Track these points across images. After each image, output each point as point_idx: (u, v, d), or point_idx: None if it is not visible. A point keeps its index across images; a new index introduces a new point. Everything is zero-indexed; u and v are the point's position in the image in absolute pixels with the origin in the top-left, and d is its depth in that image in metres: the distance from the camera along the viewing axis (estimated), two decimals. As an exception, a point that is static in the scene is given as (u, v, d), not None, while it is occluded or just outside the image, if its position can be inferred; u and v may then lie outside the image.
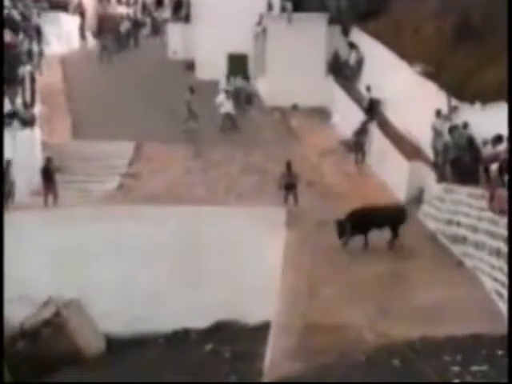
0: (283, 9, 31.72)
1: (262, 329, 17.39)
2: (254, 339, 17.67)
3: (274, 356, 14.70)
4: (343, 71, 30.73)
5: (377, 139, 25.38)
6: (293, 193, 21.95)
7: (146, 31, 42.77)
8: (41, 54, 33.51)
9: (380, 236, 19.19)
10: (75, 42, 40.46)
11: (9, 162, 22.06)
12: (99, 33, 41.04)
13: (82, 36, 41.48)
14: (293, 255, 19.05)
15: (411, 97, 24.50)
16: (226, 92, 30.25)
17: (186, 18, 37.13)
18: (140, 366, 18.57)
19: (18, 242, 20.41)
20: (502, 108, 18.79)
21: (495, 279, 16.46)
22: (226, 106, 29.36)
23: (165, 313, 19.99)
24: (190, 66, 34.74)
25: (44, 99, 29.45)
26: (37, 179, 23.00)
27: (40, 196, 22.61)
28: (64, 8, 40.89)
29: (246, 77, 32.49)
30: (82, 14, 42.24)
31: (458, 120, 21.45)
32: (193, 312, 19.99)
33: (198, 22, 34.52)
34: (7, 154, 22.53)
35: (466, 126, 20.85)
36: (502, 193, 16.83)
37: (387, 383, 12.76)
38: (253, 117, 30.39)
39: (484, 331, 14.59)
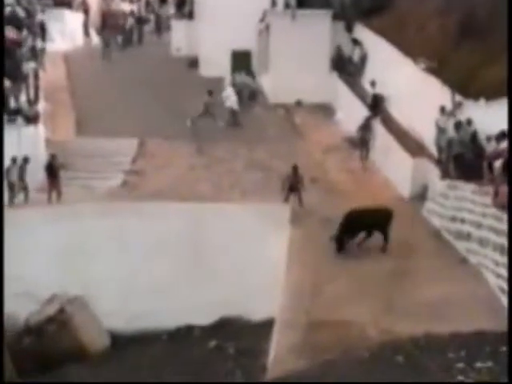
0: (287, 5, 31.65)
1: (266, 325, 17.41)
2: (258, 335, 17.70)
3: (278, 352, 14.73)
4: (347, 67, 30.69)
5: (381, 135, 25.35)
6: (297, 194, 21.88)
7: (149, 28, 42.72)
8: (43, 50, 33.50)
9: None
10: (79, 39, 40.42)
11: (26, 160, 22.31)
12: (103, 30, 41.02)
13: (86, 33, 41.46)
14: (297, 252, 19.06)
15: (415, 93, 24.46)
16: (233, 86, 30.26)
17: (190, 15, 37.09)
18: (144, 362, 18.60)
19: (22, 238, 20.45)
20: (505, 104, 18.78)
21: (499, 275, 16.46)
22: (231, 100, 29.34)
23: (168, 309, 20.01)
24: (193, 62, 34.71)
25: (48, 96, 29.46)
26: (40, 176, 23.02)
27: (44, 193, 22.63)
28: (68, 5, 40.88)
29: (250, 73, 32.47)
30: (86, 11, 42.21)
31: (462, 116, 21.42)
32: (196, 308, 20.01)
33: (201, 18, 34.49)
34: (11, 150, 22.58)
35: (469, 122, 20.83)
36: (506, 189, 16.83)
37: (389, 383, 12.75)
38: (256, 113, 30.36)
39: (488, 328, 14.60)
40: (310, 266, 18.17)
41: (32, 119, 24.84)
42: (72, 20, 40.54)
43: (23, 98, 25.98)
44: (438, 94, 22.78)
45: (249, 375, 16.61)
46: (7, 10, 31.01)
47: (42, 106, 27.33)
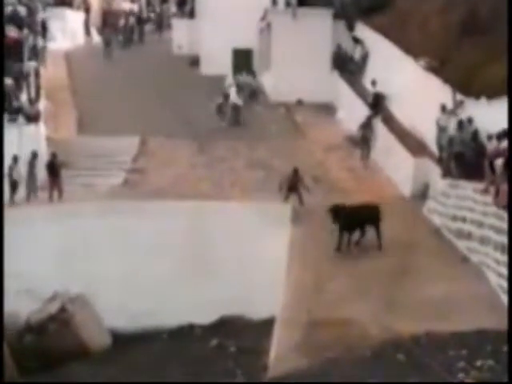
0: (288, 4, 31.66)
1: (267, 324, 17.42)
2: (259, 334, 17.70)
3: (279, 351, 14.73)
4: (348, 66, 30.69)
5: (382, 135, 25.35)
6: (297, 194, 21.85)
7: (150, 27, 42.73)
8: (44, 49, 33.48)
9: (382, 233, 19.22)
10: (80, 38, 40.46)
11: (35, 155, 22.47)
12: (103, 28, 41.05)
13: (87, 32, 41.48)
14: (298, 250, 19.07)
15: (416, 92, 24.46)
16: (237, 85, 30.30)
17: (191, 14, 37.10)
18: (144, 360, 18.59)
19: (24, 237, 20.46)
20: (507, 103, 18.77)
21: (500, 274, 16.45)
22: (234, 96, 29.34)
23: (169, 308, 20.01)
24: (194, 61, 34.72)
25: (49, 95, 29.47)
26: (42, 174, 23.03)
27: (45, 191, 22.64)
28: (69, 4, 40.91)
29: (251, 72, 32.46)
30: (87, 10, 42.24)
31: (464, 115, 21.41)
32: (197, 307, 20.01)
33: (202, 17, 34.51)
34: (12, 149, 22.60)
35: (470, 121, 20.82)
36: (507, 188, 16.82)
37: (390, 383, 12.76)
38: (258, 112, 30.36)
39: (489, 326, 14.61)
40: (311, 265, 18.17)
41: (33, 118, 24.86)
42: (73, 19, 40.58)
43: (24, 96, 25.98)
44: (439, 92, 22.77)
45: (250, 374, 16.60)
46: (8, 8, 31.01)
47: (43, 105, 27.34)
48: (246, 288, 19.88)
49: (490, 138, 19.57)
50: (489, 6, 22.43)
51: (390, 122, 25.75)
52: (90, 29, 41.89)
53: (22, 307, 19.45)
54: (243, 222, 20.63)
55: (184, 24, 37.32)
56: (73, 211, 21.27)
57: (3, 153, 22.15)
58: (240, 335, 19.14)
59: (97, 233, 20.69)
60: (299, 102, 30.63)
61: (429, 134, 23.02)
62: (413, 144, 23.70)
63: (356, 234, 19.39)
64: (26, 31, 30.29)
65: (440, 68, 23.32)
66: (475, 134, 20.32)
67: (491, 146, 19.35)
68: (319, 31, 30.47)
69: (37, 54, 30.82)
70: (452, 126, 21.51)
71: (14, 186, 22.25)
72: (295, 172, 22.05)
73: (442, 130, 22.07)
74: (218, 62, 32.47)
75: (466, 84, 21.57)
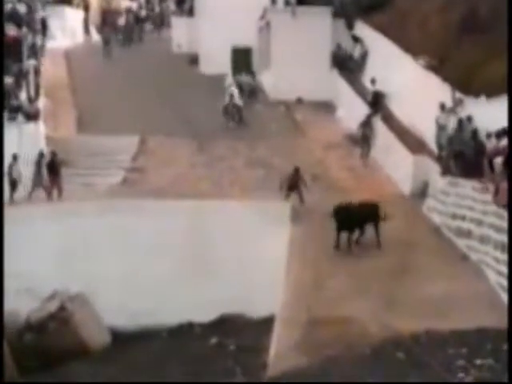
0: (287, 2, 31.65)
1: (267, 322, 17.43)
2: (259, 332, 17.71)
3: (278, 349, 14.74)
4: (347, 64, 30.68)
5: (381, 133, 25.35)
6: (297, 193, 21.85)
7: (149, 25, 42.72)
8: (42, 47, 33.44)
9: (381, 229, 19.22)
10: (79, 36, 40.44)
11: (42, 155, 22.63)
12: (103, 27, 41.03)
13: (86, 30, 41.46)
14: (298, 249, 19.07)
15: (416, 90, 24.45)
16: (237, 84, 30.28)
17: (190, 12, 37.08)
18: (144, 359, 18.61)
19: (23, 235, 20.46)
20: (506, 101, 18.77)
21: (500, 273, 16.46)
22: (235, 96, 29.35)
23: (169, 306, 20.02)
24: (194, 59, 34.71)
25: (48, 93, 29.45)
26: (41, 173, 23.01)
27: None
28: (68, 2, 40.89)
29: (250, 72, 32.44)
30: (87, 8, 42.23)
31: (463, 113, 21.42)
32: (197, 305, 20.01)
33: (201, 15, 34.47)
34: (12, 148, 22.59)
35: (470, 119, 20.83)
36: (507, 186, 16.83)
37: (390, 382, 12.76)
38: (257, 111, 30.36)
39: (489, 325, 14.62)
40: (311, 263, 18.18)
41: (32, 116, 24.84)
42: (72, 17, 40.56)
43: (24, 95, 25.97)
44: (438, 91, 22.77)
45: (249, 372, 16.61)
46: (8, 6, 30.99)
47: (42, 103, 27.32)
48: (246, 286, 19.89)
49: (489, 136, 19.58)
50: (488, 5, 22.43)
51: (390, 121, 25.74)
52: (90, 27, 41.87)
53: (21, 306, 19.46)
54: (243, 221, 20.63)
55: (183, 22, 37.28)
56: (72, 210, 21.28)
57: (3, 152, 22.13)
58: (240, 334, 19.16)
59: (96, 232, 20.69)
60: (299, 101, 30.62)
61: (428, 133, 23.02)
62: (412, 142, 23.70)
63: (356, 233, 19.40)
64: (25, 29, 30.28)
65: (439, 66, 23.32)
66: (475, 133, 20.32)
67: (490, 144, 19.37)
68: (319, 30, 30.45)
69: (36, 52, 30.81)
70: (451, 125, 21.52)
71: (13, 184, 22.24)
72: (296, 171, 22.04)
73: (441, 128, 22.07)
74: (217, 61, 32.45)
75: (466, 82, 21.57)
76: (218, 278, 20.41)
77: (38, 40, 32.72)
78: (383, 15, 28.95)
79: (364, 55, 30.25)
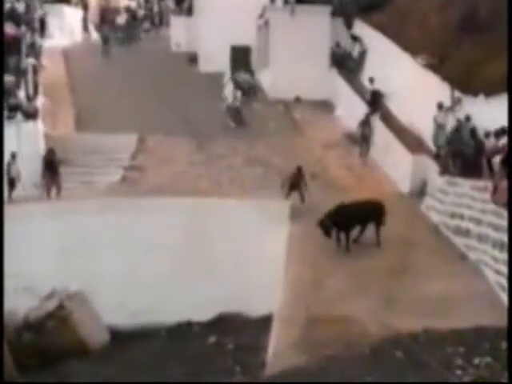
0: (286, 1, 31.62)
1: (266, 321, 17.43)
2: (258, 331, 17.71)
3: (277, 348, 14.75)
4: (346, 63, 30.68)
5: (380, 132, 25.36)
6: (298, 192, 21.84)
7: (148, 24, 42.70)
8: (40, 46, 33.41)
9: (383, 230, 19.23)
10: (78, 35, 40.41)
11: (51, 151, 22.55)
12: (101, 26, 41.02)
13: (85, 28, 41.44)
14: (296, 248, 19.08)
15: (415, 89, 24.46)
16: (235, 83, 30.24)
17: (189, 11, 37.06)
18: (143, 358, 18.60)
19: (22, 234, 20.46)
20: (505, 100, 18.79)
21: (498, 272, 16.48)
22: (229, 98, 29.33)
23: (168, 305, 20.03)
24: (192, 58, 34.70)
25: (47, 92, 29.43)
26: (40, 171, 22.99)
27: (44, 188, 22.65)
28: (67, 0, 40.86)
29: (249, 70, 32.42)
30: (85, 7, 42.22)
31: (462, 112, 21.42)
32: (196, 304, 20.02)
33: (200, 14, 34.45)
34: (10, 146, 22.58)
35: (468, 118, 20.84)
36: (506, 185, 16.84)
37: (389, 382, 12.76)
38: (256, 109, 30.35)
39: (487, 323, 14.63)
40: (310, 262, 18.18)
41: (31, 115, 24.82)
42: (71, 15, 40.52)
43: (22, 93, 25.96)
44: (437, 90, 22.78)
45: (248, 371, 16.62)
46: (6, 5, 30.96)
47: (41, 102, 27.31)
48: (245, 285, 19.89)
49: (487, 135, 19.60)
50: (488, 4, 22.43)
51: (389, 120, 25.75)
52: (89, 26, 41.83)
53: (20, 305, 19.44)
54: (242, 220, 20.63)
55: (182, 21, 37.25)
56: (71, 208, 21.27)
57: (3, 151, 22.12)
58: (238, 332, 19.16)
59: (95, 230, 20.68)
60: (297, 100, 30.62)
61: (427, 132, 23.03)
62: (411, 141, 23.71)
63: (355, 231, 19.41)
64: (23, 28, 30.26)
65: (438, 65, 23.33)
66: (473, 132, 20.33)
67: (489, 143, 19.38)
68: (317, 28, 30.44)
69: (35, 51, 30.79)
70: (450, 124, 21.52)
71: (11, 183, 22.23)
72: (299, 170, 22.03)
73: (439, 127, 22.08)
74: (216, 60, 32.43)
75: (465, 82, 21.58)
76: (216, 276, 20.41)
77: (37, 39, 32.73)
78: (382, 14, 28.94)
79: (363, 54, 30.25)
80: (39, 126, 25.28)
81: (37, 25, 34.93)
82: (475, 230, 18.06)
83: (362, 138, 25.81)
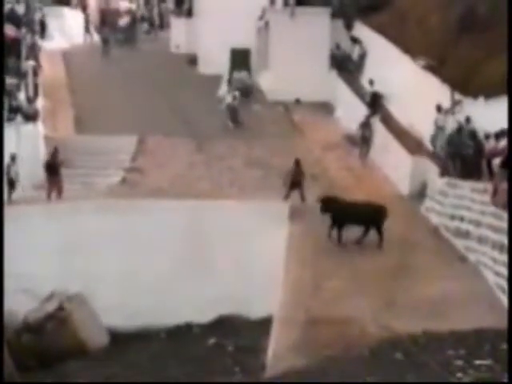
0: (286, 3, 31.68)
1: (265, 322, 17.42)
2: (257, 333, 17.70)
3: (277, 349, 14.74)
4: (346, 65, 30.70)
5: (380, 133, 25.37)
6: (299, 190, 21.86)
7: (148, 25, 42.75)
8: (39, 48, 33.43)
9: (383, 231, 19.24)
10: (78, 37, 40.44)
11: (56, 149, 22.47)
12: (101, 27, 41.06)
13: (87, 30, 41.46)
14: (296, 249, 19.07)
15: (414, 91, 24.46)
16: (229, 82, 30.21)
17: (189, 12, 37.10)
18: (143, 359, 18.61)
19: (22, 235, 20.45)
20: (504, 102, 18.79)
21: (498, 273, 16.48)
22: (227, 98, 29.34)
23: (168, 306, 20.03)
24: (192, 60, 34.73)
25: (47, 93, 29.46)
26: (40, 173, 23.00)
27: (43, 190, 22.63)
28: (67, 2, 40.91)
29: (246, 69, 32.41)
30: (84, 8, 42.27)
31: (462, 114, 21.42)
32: (196, 306, 20.03)
33: (200, 16, 34.50)
34: (10, 148, 22.58)
35: (468, 120, 20.84)
36: (505, 187, 16.85)
37: (388, 383, 12.76)
38: (256, 111, 30.36)
39: (487, 325, 14.62)
40: (309, 263, 18.18)
41: (31, 117, 24.86)
42: (71, 17, 40.56)
43: (22, 95, 25.97)
44: (437, 91, 22.78)
45: (248, 372, 16.62)
46: (6, 7, 30.99)
47: (41, 104, 27.32)
48: (244, 287, 19.90)
49: (487, 137, 19.60)
50: (487, 5, 22.44)
51: (388, 121, 25.76)
52: (90, 27, 41.86)
53: (20, 306, 19.44)
54: (241, 221, 20.63)
55: (182, 23, 37.32)
56: (71, 210, 21.28)
57: (3, 153, 22.13)
58: (238, 334, 19.17)
59: (95, 232, 20.68)
60: (297, 101, 30.64)
61: (427, 133, 23.03)
62: (411, 143, 23.72)
63: (354, 231, 19.40)
64: (23, 30, 30.28)
65: (438, 67, 23.33)
66: (473, 134, 20.33)
67: (489, 145, 19.39)
68: (317, 30, 30.46)
69: (35, 52, 30.81)
70: (450, 126, 21.53)
71: (11, 184, 22.23)
72: (297, 163, 22.03)
73: (439, 129, 22.09)
74: (216, 61, 32.44)
75: (464, 83, 21.59)
76: (216, 278, 20.41)
77: (38, 40, 32.76)
78: (382, 16, 28.97)
79: (363, 56, 30.27)
80: (39, 128, 25.31)
81: (37, 27, 34.96)
82: (475, 232, 18.06)
83: (362, 140, 25.83)
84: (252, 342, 17.80)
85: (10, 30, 28.67)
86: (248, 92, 31.32)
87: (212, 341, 19.05)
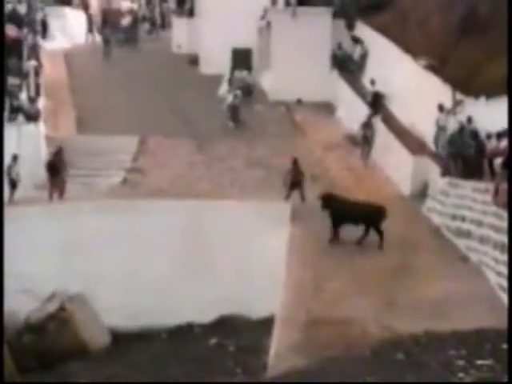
0: (287, 3, 31.67)
1: (267, 322, 17.41)
2: (259, 333, 17.71)
3: (278, 350, 14.72)
4: (348, 65, 30.69)
5: (381, 133, 25.36)
6: (299, 190, 21.86)
7: (149, 25, 42.76)
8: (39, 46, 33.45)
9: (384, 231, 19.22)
10: (80, 37, 40.44)
11: (61, 148, 22.61)
12: (103, 27, 41.06)
13: (90, 30, 41.46)
14: (297, 249, 19.07)
15: (416, 91, 24.46)
16: (229, 81, 30.19)
17: (190, 12, 37.10)
18: (144, 359, 18.61)
19: (23, 235, 20.46)
20: (506, 102, 18.77)
21: (500, 273, 16.46)
22: (228, 98, 29.33)
23: (169, 307, 20.03)
24: (194, 60, 34.73)
25: (48, 93, 29.47)
26: (41, 173, 23.00)
27: (45, 190, 22.63)
28: (68, 2, 40.92)
29: (247, 68, 32.39)
30: (86, 8, 42.28)
31: (463, 114, 21.41)
32: (197, 306, 20.03)
33: (201, 16, 34.51)
34: (12, 148, 22.59)
35: (470, 120, 20.82)
36: (507, 187, 16.83)
37: (390, 383, 12.75)
38: (257, 111, 30.36)
39: (488, 325, 14.61)
40: (311, 264, 18.17)
41: (33, 117, 24.86)
42: (73, 17, 40.56)
43: (24, 95, 25.98)
44: (438, 91, 22.77)
45: (249, 373, 16.62)
46: (8, 7, 31.00)
47: (42, 104, 27.33)
48: (246, 287, 19.89)
49: (489, 137, 19.58)
50: (488, 5, 22.42)
51: (390, 121, 25.75)
52: (93, 27, 41.85)
53: (21, 306, 19.44)
54: (243, 221, 20.62)
55: (183, 23, 37.31)
56: (72, 210, 21.28)
57: (3, 153, 22.14)
58: (239, 334, 19.16)
59: (96, 232, 20.68)
60: (299, 101, 30.62)
61: (428, 133, 23.02)
62: (412, 143, 23.71)
63: (355, 232, 19.40)
64: (25, 30, 30.29)
65: (440, 67, 23.32)
66: (475, 134, 20.32)
67: (490, 145, 19.37)
68: (319, 30, 30.45)
69: (36, 52, 30.81)
70: (451, 126, 21.51)
71: (13, 184, 22.23)
72: (295, 163, 22.02)
73: (441, 129, 22.07)
74: (217, 62, 32.44)
75: (466, 83, 21.57)
76: (217, 278, 20.41)
77: (39, 40, 32.77)
78: (383, 16, 28.96)
79: (364, 56, 30.26)
80: (41, 128, 25.33)
81: (38, 27, 34.96)
82: (476, 232, 18.04)
83: (364, 140, 25.81)
84: (253, 342, 17.79)
85: (11, 30, 28.68)
86: (249, 91, 31.32)
87: (213, 341, 19.05)
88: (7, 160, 22.20)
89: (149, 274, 20.54)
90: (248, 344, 18.12)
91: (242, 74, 31.85)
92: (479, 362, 13.23)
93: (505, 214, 16.54)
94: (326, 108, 30.01)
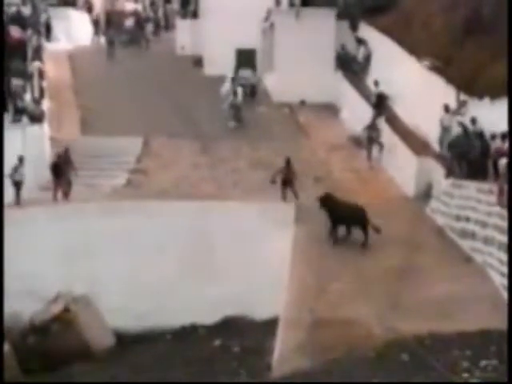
0: (291, 4, 31.66)
1: (271, 324, 17.42)
2: (263, 334, 17.71)
3: (282, 351, 14.74)
4: (351, 66, 30.67)
5: (385, 134, 25.33)
6: (291, 188, 21.81)
7: (153, 27, 42.77)
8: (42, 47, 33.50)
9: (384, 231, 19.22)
10: (84, 38, 40.47)
11: (67, 149, 22.77)
12: (107, 29, 41.10)
13: (96, 31, 41.50)
14: (301, 250, 19.06)
15: (420, 92, 24.43)
16: (233, 80, 30.18)
17: (194, 14, 37.11)
18: (148, 361, 18.61)
19: (27, 237, 20.49)
20: (507, 103, 18.75)
21: (504, 274, 16.42)
22: (230, 96, 29.32)
23: (173, 308, 20.04)
24: (198, 61, 34.74)
25: (53, 95, 29.49)
26: (45, 174, 23.02)
27: (49, 191, 22.65)
28: (72, 4, 40.97)
29: (251, 68, 32.37)
30: (89, 10, 42.34)
31: (467, 115, 21.38)
32: (201, 307, 20.03)
33: (205, 17, 34.50)
34: (16, 150, 22.61)
35: (474, 121, 20.79)
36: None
37: (394, 383, 12.74)
38: (261, 112, 30.36)
39: (493, 326, 14.60)
40: (315, 265, 18.17)
41: (37, 118, 24.88)
42: (77, 19, 40.60)
43: (28, 96, 26.01)
44: (442, 92, 22.75)
45: (253, 374, 16.61)
46: (12, 8, 31.06)
47: (46, 105, 27.35)
48: (250, 288, 19.88)
49: (493, 137, 19.55)
50: (492, 6, 22.39)
51: (394, 122, 25.72)
52: (99, 29, 41.89)
53: (25, 308, 19.45)
54: (246, 222, 20.63)
55: (187, 24, 37.32)
56: (76, 211, 21.30)
57: (3, 153, 22.15)
58: (243, 335, 19.15)
59: (100, 233, 20.70)
60: (302, 103, 30.62)
61: (432, 134, 22.99)
62: (416, 144, 23.68)
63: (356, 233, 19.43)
64: (29, 31, 30.33)
65: (444, 68, 23.29)
66: (480, 134, 20.28)
67: (495, 145, 19.34)
68: (323, 31, 30.45)
69: (40, 54, 30.85)
70: (455, 126, 21.48)
71: (18, 186, 22.23)
72: (287, 163, 21.96)
73: (445, 129, 22.04)
74: (221, 63, 32.43)
75: (470, 84, 21.54)
76: (221, 279, 20.40)
77: (43, 42, 32.82)
78: (387, 17, 28.95)
79: (368, 57, 30.25)
80: (45, 129, 25.34)
81: (42, 28, 35.00)
82: (481, 233, 18.02)
83: (369, 141, 25.77)
84: (257, 344, 17.79)
85: (15, 32, 28.73)
86: (253, 91, 31.32)
87: (217, 342, 19.05)
88: (12, 161, 22.20)
89: (153, 275, 20.55)
90: (252, 345, 18.12)
91: (245, 73, 31.85)
92: (484, 362, 13.21)
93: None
94: (330, 109, 29.99)
